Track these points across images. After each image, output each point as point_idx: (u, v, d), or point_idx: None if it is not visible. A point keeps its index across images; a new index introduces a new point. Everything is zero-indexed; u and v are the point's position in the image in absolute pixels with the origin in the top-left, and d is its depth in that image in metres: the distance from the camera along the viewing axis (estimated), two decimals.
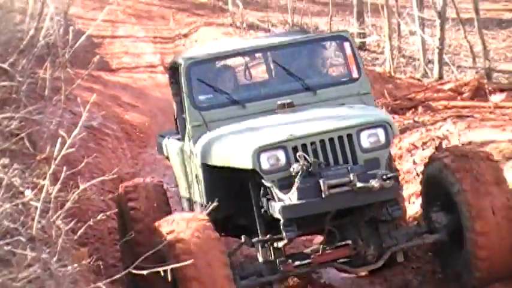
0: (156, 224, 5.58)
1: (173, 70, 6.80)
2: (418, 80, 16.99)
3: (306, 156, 5.26)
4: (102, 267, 6.27)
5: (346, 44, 6.59)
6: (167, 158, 7.66)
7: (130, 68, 16.61)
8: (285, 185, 5.31)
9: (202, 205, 6.11)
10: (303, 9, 20.44)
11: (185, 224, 5.37)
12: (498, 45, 19.34)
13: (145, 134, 12.48)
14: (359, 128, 5.47)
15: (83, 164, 5.78)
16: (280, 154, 5.36)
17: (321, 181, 5.17)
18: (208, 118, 6.18)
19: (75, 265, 4.88)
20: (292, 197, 5.20)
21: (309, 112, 6.01)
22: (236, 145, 5.64)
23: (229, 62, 7.13)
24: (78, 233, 5.37)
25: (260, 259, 5.79)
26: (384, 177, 5.26)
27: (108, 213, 6.16)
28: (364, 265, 5.83)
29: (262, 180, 5.39)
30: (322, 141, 5.38)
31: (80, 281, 5.49)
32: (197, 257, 5.03)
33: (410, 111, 12.88)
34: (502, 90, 13.58)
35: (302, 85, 6.42)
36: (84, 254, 6.46)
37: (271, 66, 6.93)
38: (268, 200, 5.49)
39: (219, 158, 5.86)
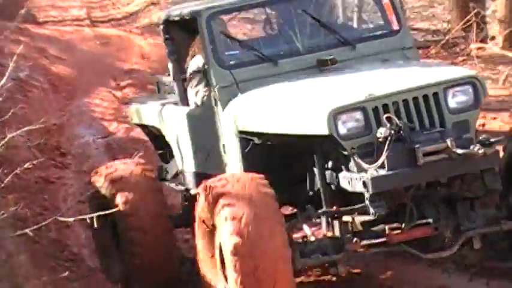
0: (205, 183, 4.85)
1: (169, 24, 6.14)
2: None
3: (395, 118, 4.55)
4: (28, 214, 6.46)
5: None
6: (140, 125, 7.14)
7: (56, 22, 16.49)
8: (366, 153, 4.61)
9: None
10: None
11: (240, 185, 4.66)
12: (414, 4, 19.96)
13: (72, 86, 12.34)
14: (446, 85, 4.76)
15: (9, 114, 5.83)
16: (360, 116, 4.61)
17: (416, 147, 4.50)
18: (238, 77, 5.40)
19: (1, 212, 4.86)
20: (381, 166, 4.52)
21: (365, 69, 5.35)
22: (295, 106, 4.91)
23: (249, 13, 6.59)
24: (5, 181, 5.38)
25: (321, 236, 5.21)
26: (486, 142, 4.74)
27: (34, 162, 6.05)
28: (441, 250, 5.06)
29: (338, 148, 4.70)
30: (405, 101, 4.66)
31: (5, 227, 5.70)
32: (253, 227, 4.45)
33: None
34: (418, 48, 14.15)
35: (338, 38, 5.68)
36: (10, 202, 6.43)
37: (299, 18, 6.00)
38: (336, 171, 4.86)
39: (268, 123, 5.08)
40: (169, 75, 6.20)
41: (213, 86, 5.36)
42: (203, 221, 4.82)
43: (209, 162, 5.75)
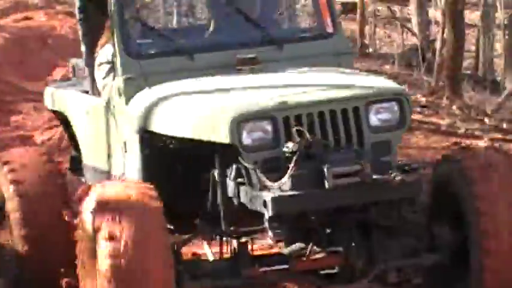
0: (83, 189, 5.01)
1: (85, 2, 5.68)
2: None
3: (306, 132, 4.21)
4: None
5: None
6: (54, 112, 6.65)
7: None
8: (272, 168, 4.29)
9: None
10: None
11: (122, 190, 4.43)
12: None
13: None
14: (369, 99, 4.47)
15: None
16: (267, 126, 4.28)
17: (324, 167, 4.15)
18: (147, 69, 5.06)
19: None
20: (284, 185, 4.19)
21: (286, 72, 5.03)
22: (200, 109, 4.61)
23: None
24: None
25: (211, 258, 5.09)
26: (406, 168, 4.51)
27: None
28: (350, 282, 4.84)
29: (240, 160, 4.36)
30: (321, 114, 4.32)
31: None
32: (133, 248, 4.19)
33: None
34: None
35: (265, 36, 5.30)
36: None
37: (224, 9, 5.64)
38: (237, 186, 4.51)
39: (173, 126, 4.74)
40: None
41: (118, 76, 5.02)
42: (84, 231, 4.55)
43: (110, 160, 5.42)
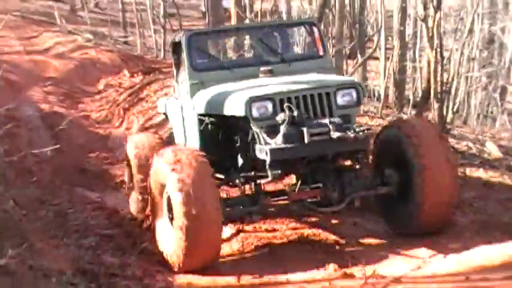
0: (160, 152, 5.80)
1: (175, 45, 7.14)
2: None
3: (292, 107, 5.36)
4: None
5: (315, 29, 7.04)
6: (164, 114, 8.13)
7: (5, 52, 20.52)
8: (271, 131, 5.40)
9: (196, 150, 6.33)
10: None
11: (185, 155, 5.54)
12: None
13: (20, 86, 16.90)
14: (336, 87, 5.57)
15: None
16: (268, 105, 5.41)
17: (304, 129, 5.26)
18: (204, 78, 6.44)
19: None
20: (278, 141, 5.29)
21: (290, 77, 6.18)
22: (230, 97, 5.78)
23: (223, 38, 8.24)
24: None
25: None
26: (358, 129, 5.43)
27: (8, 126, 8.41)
28: (329, 206, 5.89)
29: (252, 127, 5.51)
30: (304, 97, 5.45)
31: None
32: (192, 185, 5.25)
33: None
34: None
35: (279, 58, 6.75)
36: None
37: (255, 43, 7.61)
38: (253, 144, 5.63)
39: (214, 108, 6.03)
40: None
41: (186, 81, 6.41)
42: (155, 177, 5.76)
43: (187, 137, 6.80)
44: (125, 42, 24.11)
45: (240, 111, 5.42)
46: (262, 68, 6.24)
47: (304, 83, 5.64)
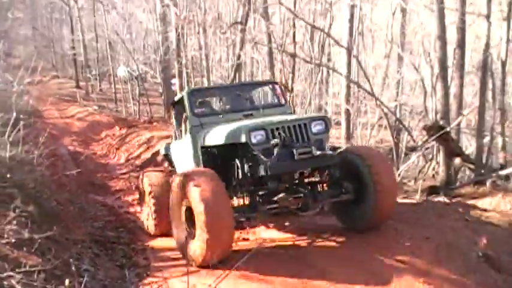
0: (183, 173, 6.64)
1: (176, 103, 8.72)
2: None
3: (281, 134, 6.30)
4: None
5: (277, 86, 8.85)
6: (164, 155, 9.83)
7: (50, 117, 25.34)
8: (266, 153, 6.25)
9: None
10: None
11: (201, 175, 6.35)
12: None
13: (57, 137, 19.86)
14: (311, 120, 6.57)
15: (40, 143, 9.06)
16: (263, 133, 6.33)
17: (294, 150, 6.18)
18: (202, 121, 7.67)
19: None
20: (274, 159, 6.13)
21: (267, 117, 7.31)
22: (230, 130, 6.69)
23: (212, 93, 9.36)
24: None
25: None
26: (332, 149, 6.55)
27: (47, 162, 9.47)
28: (307, 211, 6.84)
29: (250, 150, 6.35)
30: (288, 128, 6.42)
31: None
32: (209, 197, 6.06)
33: None
34: None
35: (253, 106, 8.38)
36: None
37: (235, 96, 8.78)
38: (251, 164, 6.48)
39: (215, 140, 6.98)
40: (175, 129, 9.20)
41: (189, 124, 7.72)
42: (177, 193, 6.72)
43: (187, 165, 7.96)
44: (116, 110, 30.05)
45: (241, 139, 6.36)
46: (244, 113, 7.83)
47: (287, 118, 6.63)
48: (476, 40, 18.27)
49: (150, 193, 8.91)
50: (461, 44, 13.56)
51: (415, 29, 22.19)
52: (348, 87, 17.22)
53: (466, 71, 15.94)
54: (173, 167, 9.63)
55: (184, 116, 8.36)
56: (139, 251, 8.14)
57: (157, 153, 16.48)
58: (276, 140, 6.37)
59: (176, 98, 8.91)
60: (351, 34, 17.59)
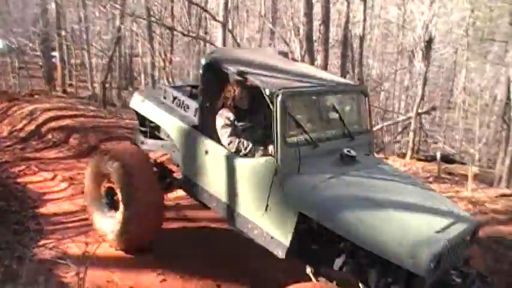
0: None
1: (209, 67, 5.74)
2: None
3: (451, 256, 4.37)
4: None
5: (366, 99, 6.03)
6: (138, 115, 7.00)
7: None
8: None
9: (281, 245, 4.99)
10: None
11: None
12: None
13: None
14: (475, 226, 4.83)
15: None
16: (439, 258, 4.17)
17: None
18: (294, 156, 4.93)
19: None
20: None
21: (408, 195, 4.92)
22: (387, 234, 4.28)
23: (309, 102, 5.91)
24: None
25: None
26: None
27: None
28: None
29: (414, 276, 4.23)
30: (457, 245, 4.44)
31: None
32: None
33: None
34: None
35: (345, 132, 5.73)
36: None
37: (329, 109, 5.86)
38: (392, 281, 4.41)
39: (346, 229, 4.45)
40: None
41: (277, 159, 4.92)
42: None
43: (262, 219, 5.21)
44: None
45: (412, 266, 4.13)
46: (345, 151, 5.36)
47: (456, 227, 4.48)
48: (339, 17, 19.84)
49: (127, 186, 6.19)
50: (325, 20, 14.87)
51: (285, 5, 22.64)
52: None
53: (330, 45, 16.93)
54: (148, 134, 7.12)
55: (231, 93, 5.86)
56: (30, 217, 8.27)
57: (41, 125, 16.20)
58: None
59: (214, 59, 5.80)
60: (225, 9, 18.06)
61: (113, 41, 22.12)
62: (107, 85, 24.85)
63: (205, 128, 5.90)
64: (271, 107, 4.95)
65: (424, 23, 17.08)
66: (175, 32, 19.71)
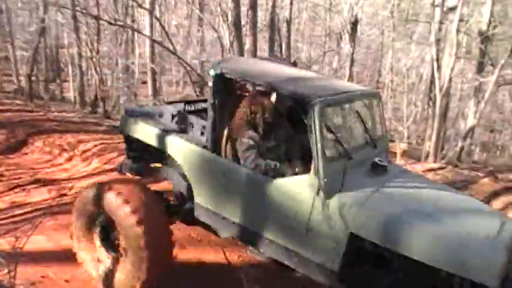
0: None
1: (219, 79, 5.17)
2: None
3: None
4: None
5: (380, 103, 5.75)
6: (127, 137, 6.33)
7: None
8: None
9: (327, 270, 4.55)
10: None
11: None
12: None
13: None
14: None
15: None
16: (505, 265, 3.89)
17: None
18: (334, 171, 4.51)
19: None
20: None
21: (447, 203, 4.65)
22: (465, 247, 3.93)
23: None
24: None
25: None
26: None
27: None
28: None
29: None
30: None
31: None
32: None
33: None
34: None
35: (369, 141, 5.39)
36: None
37: (353, 117, 5.43)
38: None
39: (416, 251, 4.02)
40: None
41: (319, 176, 4.47)
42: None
43: (294, 240, 4.73)
44: None
45: (483, 279, 3.78)
46: (377, 160, 5.06)
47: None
48: (266, 1, 19.50)
49: (132, 227, 5.23)
50: (253, 5, 14.96)
51: None
52: (152, 46, 17.98)
53: (258, 29, 16.94)
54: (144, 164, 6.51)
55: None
56: None
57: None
58: None
59: (224, 69, 5.21)
60: None
61: (37, 32, 21.68)
62: (33, 78, 24.38)
63: (217, 147, 5.35)
64: (304, 119, 4.53)
65: (350, 6, 17.29)
66: (101, 21, 19.36)
